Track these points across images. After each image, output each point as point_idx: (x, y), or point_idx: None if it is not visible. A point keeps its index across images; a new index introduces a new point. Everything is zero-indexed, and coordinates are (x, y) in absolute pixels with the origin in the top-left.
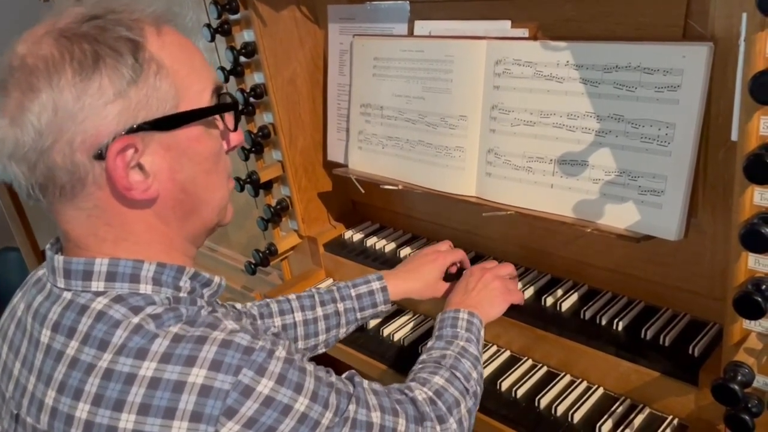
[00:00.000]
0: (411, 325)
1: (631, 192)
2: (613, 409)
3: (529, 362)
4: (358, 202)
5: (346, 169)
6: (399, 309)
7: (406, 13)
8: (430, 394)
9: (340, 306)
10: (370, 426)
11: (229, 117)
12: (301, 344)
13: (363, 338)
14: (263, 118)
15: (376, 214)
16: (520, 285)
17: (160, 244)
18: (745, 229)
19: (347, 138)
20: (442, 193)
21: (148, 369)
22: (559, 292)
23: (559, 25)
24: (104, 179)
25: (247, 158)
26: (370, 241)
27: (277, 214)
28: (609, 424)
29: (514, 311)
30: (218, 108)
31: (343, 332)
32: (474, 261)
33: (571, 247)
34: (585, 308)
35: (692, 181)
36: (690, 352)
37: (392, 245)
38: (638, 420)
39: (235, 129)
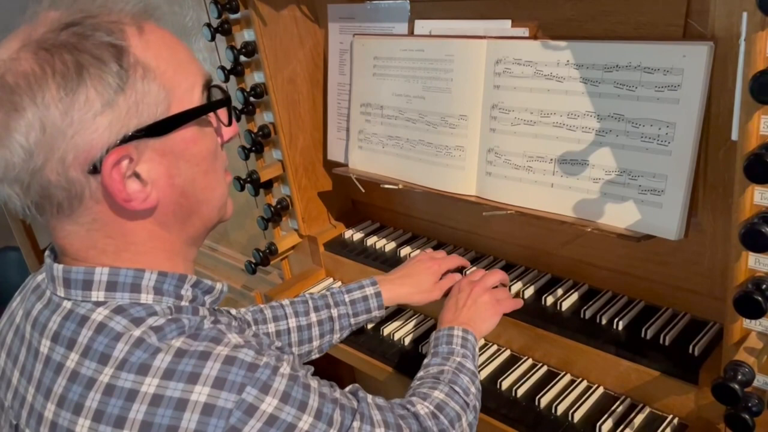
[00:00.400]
0: (411, 324)
1: (632, 191)
2: (613, 408)
3: (530, 361)
4: (358, 202)
5: (346, 169)
6: (399, 308)
7: (406, 12)
8: (432, 408)
9: (334, 312)
10: None
11: (222, 112)
12: (294, 350)
13: (363, 337)
14: (263, 117)
15: (376, 214)
16: (520, 285)
17: (162, 252)
18: (745, 228)
19: (347, 137)
20: (443, 192)
21: (150, 385)
22: (559, 291)
23: (559, 24)
24: (101, 193)
25: (247, 157)
26: (371, 241)
27: (277, 214)
28: (609, 423)
29: (514, 311)
30: (211, 105)
31: (336, 338)
32: (474, 261)
33: (571, 246)
34: (585, 307)
35: (692, 181)
36: (690, 351)
37: (392, 245)
38: (638, 419)
39: (230, 123)
